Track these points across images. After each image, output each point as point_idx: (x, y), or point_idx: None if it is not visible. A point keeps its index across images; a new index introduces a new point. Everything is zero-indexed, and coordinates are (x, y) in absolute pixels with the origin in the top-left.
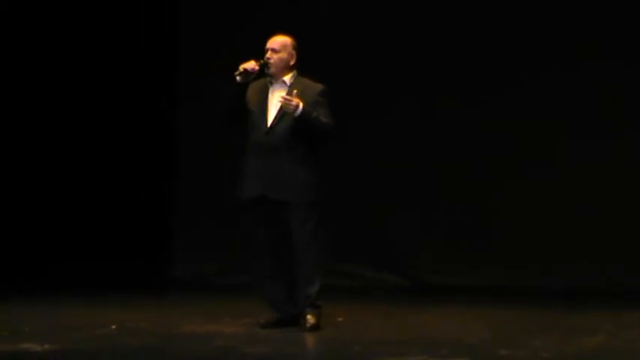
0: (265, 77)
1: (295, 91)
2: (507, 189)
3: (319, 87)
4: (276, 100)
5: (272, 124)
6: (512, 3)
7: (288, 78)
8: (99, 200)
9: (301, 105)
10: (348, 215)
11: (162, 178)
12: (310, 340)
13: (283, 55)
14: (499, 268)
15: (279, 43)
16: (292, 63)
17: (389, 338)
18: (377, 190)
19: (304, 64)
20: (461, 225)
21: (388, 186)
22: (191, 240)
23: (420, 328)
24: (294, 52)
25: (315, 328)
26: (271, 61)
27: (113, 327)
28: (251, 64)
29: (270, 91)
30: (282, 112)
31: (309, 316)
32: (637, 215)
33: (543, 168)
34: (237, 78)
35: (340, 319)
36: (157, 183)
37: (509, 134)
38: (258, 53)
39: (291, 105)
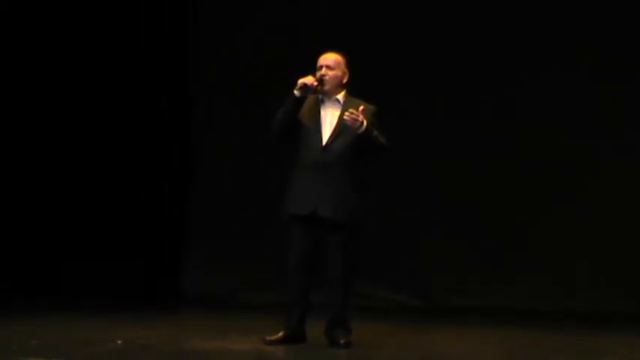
0: (314, 94)
1: (361, 108)
2: (507, 189)
3: (372, 107)
4: (329, 117)
5: (328, 141)
6: (512, 3)
7: (340, 96)
8: (106, 212)
9: (365, 122)
10: None
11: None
12: (318, 358)
13: (337, 72)
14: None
15: (333, 60)
16: (345, 81)
17: (402, 358)
18: (376, 190)
19: (304, 63)
20: (461, 230)
21: (387, 186)
22: (202, 255)
23: (433, 349)
24: (346, 70)
25: (348, 345)
26: (326, 77)
27: (119, 342)
28: (310, 80)
29: (322, 109)
30: (339, 130)
31: (342, 339)
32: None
33: (543, 168)
34: (296, 93)
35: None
36: (170, 193)
37: (509, 134)
38: (259, 53)
39: (357, 121)
